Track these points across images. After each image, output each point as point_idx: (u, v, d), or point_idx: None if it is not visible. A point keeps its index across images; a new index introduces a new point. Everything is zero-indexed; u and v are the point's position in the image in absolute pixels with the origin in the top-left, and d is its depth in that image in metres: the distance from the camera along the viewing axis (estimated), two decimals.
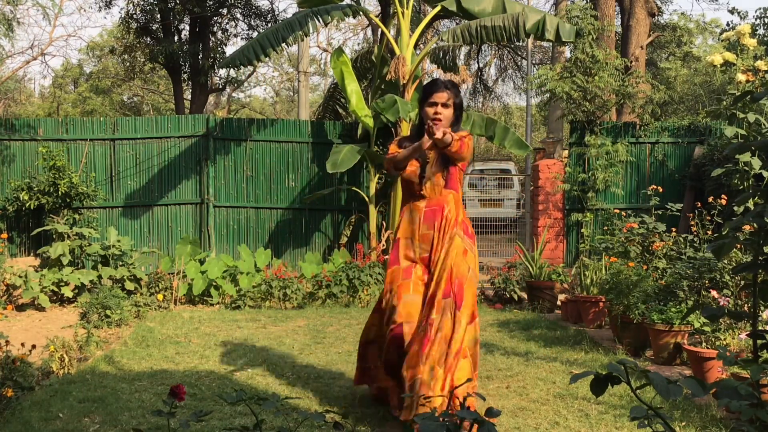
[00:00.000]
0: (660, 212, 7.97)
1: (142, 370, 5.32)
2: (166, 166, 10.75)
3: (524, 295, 8.99)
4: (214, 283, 8.88)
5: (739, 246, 5.71)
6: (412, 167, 4.18)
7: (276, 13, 16.39)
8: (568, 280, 8.71)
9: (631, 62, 12.79)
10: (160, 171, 10.74)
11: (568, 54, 18.43)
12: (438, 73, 12.25)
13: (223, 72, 17.22)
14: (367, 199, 10.40)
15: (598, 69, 10.19)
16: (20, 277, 8.40)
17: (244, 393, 2.08)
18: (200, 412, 2.20)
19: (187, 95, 17.40)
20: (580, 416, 4.26)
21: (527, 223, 11.37)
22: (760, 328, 4.88)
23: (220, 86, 18.74)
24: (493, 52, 25.40)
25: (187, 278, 8.92)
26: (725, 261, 5.89)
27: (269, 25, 15.66)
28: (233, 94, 30.48)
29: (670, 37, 20.30)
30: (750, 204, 4.76)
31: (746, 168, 5.20)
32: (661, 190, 8.07)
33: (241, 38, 16.79)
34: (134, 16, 15.38)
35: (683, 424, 4.07)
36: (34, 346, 5.02)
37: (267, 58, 9.58)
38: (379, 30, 11.65)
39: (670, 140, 10.81)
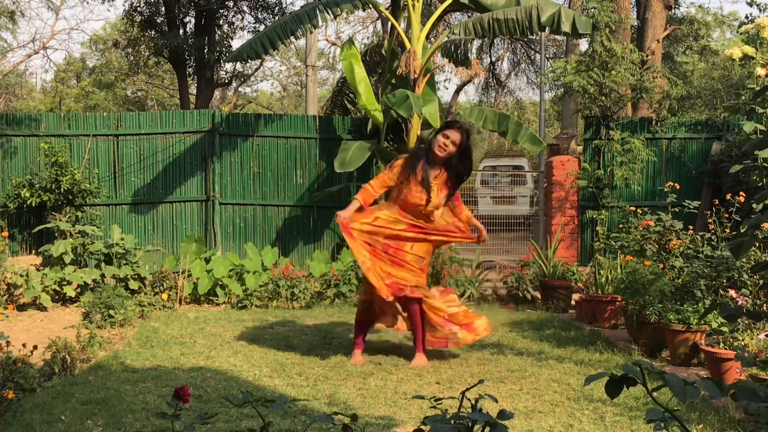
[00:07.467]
0: (677, 209, 7.87)
1: (146, 372, 5.29)
2: (171, 163, 10.58)
3: (537, 295, 8.94)
4: (220, 282, 8.82)
5: (757, 244, 5.62)
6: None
7: (283, 5, 16.18)
8: (582, 279, 8.59)
9: (647, 56, 12.60)
10: (165, 168, 10.58)
11: (583, 48, 18.20)
12: (449, 67, 12.04)
13: (229, 66, 16.98)
14: None
15: (614, 63, 10.00)
16: (21, 275, 8.30)
17: (251, 395, 2.06)
18: (205, 414, 2.17)
19: (193, 90, 17.23)
20: (595, 419, 4.21)
21: (541, 221, 11.18)
22: None
23: (226, 81, 18.53)
24: (506, 45, 25.12)
25: (192, 277, 8.89)
26: (743, 260, 5.86)
27: (276, 18, 15.45)
28: (239, 89, 30.27)
29: (687, 31, 20.07)
30: None
31: (765, 164, 5.10)
32: (677, 186, 7.99)
33: (248, 31, 16.61)
34: (138, 8, 15.18)
35: (700, 426, 4.03)
36: (35, 347, 4.99)
37: (275, 51, 9.44)
38: (389, 23, 11.46)
39: (687, 136, 10.70)
